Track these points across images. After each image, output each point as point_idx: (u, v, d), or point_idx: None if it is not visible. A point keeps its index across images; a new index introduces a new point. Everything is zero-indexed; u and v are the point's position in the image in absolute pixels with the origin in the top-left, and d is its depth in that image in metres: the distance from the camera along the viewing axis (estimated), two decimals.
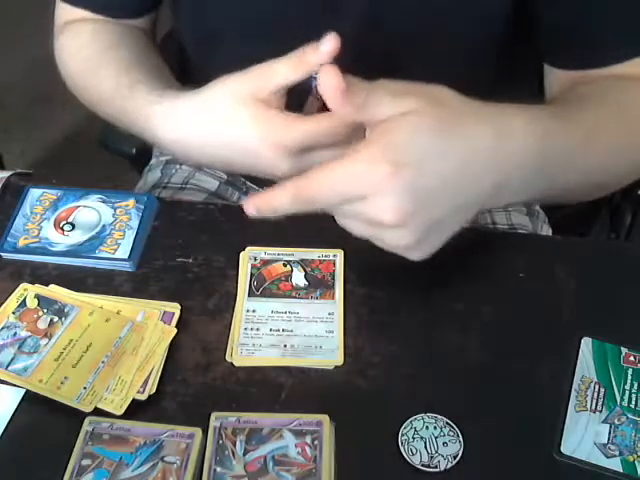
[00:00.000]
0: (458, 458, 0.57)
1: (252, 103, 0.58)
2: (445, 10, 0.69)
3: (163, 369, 0.62)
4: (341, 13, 0.70)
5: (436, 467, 0.56)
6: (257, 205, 0.52)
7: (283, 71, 0.57)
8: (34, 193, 0.76)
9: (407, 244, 0.51)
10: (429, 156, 0.49)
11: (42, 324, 0.65)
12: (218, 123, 0.60)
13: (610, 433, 0.58)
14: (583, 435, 0.58)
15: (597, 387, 0.61)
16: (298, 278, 0.68)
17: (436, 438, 0.58)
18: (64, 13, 0.82)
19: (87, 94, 0.77)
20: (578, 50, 0.69)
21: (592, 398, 0.60)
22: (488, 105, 0.53)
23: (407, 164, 0.48)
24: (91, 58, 0.76)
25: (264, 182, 0.92)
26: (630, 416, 0.59)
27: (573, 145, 0.58)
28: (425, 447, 0.57)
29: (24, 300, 0.67)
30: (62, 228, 0.72)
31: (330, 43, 0.53)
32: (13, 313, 0.66)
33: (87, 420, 0.58)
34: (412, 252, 0.53)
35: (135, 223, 0.73)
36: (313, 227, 0.74)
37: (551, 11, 0.67)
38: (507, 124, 0.53)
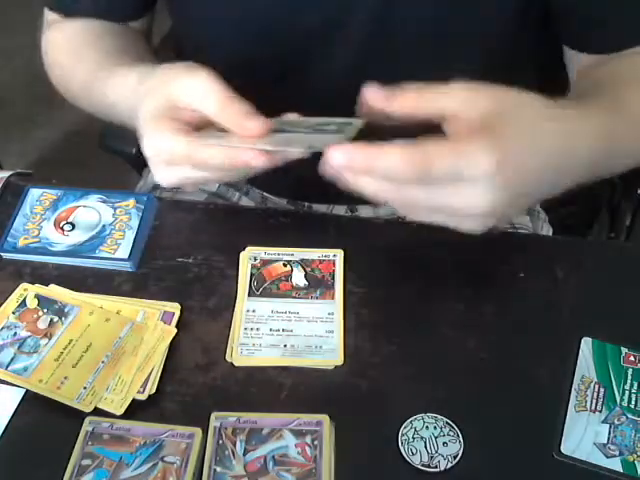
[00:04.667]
0: (458, 458, 0.57)
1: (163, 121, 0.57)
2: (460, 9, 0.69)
3: (163, 369, 0.62)
4: (348, 14, 0.70)
5: (436, 467, 0.56)
6: (350, 154, 0.47)
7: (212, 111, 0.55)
8: (34, 193, 0.76)
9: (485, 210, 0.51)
10: (527, 155, 0.50)
11: (42, 324, 0.65)
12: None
13: (610, 433, 0.58)
14: (583, 435, 0.58)
15: (597, 387, 0.61)
16: (298, 278, 0.68)
17: (436, 438, 0.57)
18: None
19: (71, 83, 0.77)
20: (594, 34, 0.70)
21: (592, 398, 0.60)
22: (557, 105, 0.54)
23: (511, 158, 0.49)
24: (76, 49, 0.77)
25: (264, 184, 0.93)
26: (630, 416, 0.59)
27: (622, 132, 0.60)
28: (425, 447, 0.57)
29: (24, 300, 0.67)
30: (62, 228, 0.72)
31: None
32: (13, 313, 0.66)
33: (87, 420, 0.58)
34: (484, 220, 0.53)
35: (135, 223, 0.73)
36: (313, 227, 0.74)
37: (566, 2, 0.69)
38: (578, 125, 0.55)
